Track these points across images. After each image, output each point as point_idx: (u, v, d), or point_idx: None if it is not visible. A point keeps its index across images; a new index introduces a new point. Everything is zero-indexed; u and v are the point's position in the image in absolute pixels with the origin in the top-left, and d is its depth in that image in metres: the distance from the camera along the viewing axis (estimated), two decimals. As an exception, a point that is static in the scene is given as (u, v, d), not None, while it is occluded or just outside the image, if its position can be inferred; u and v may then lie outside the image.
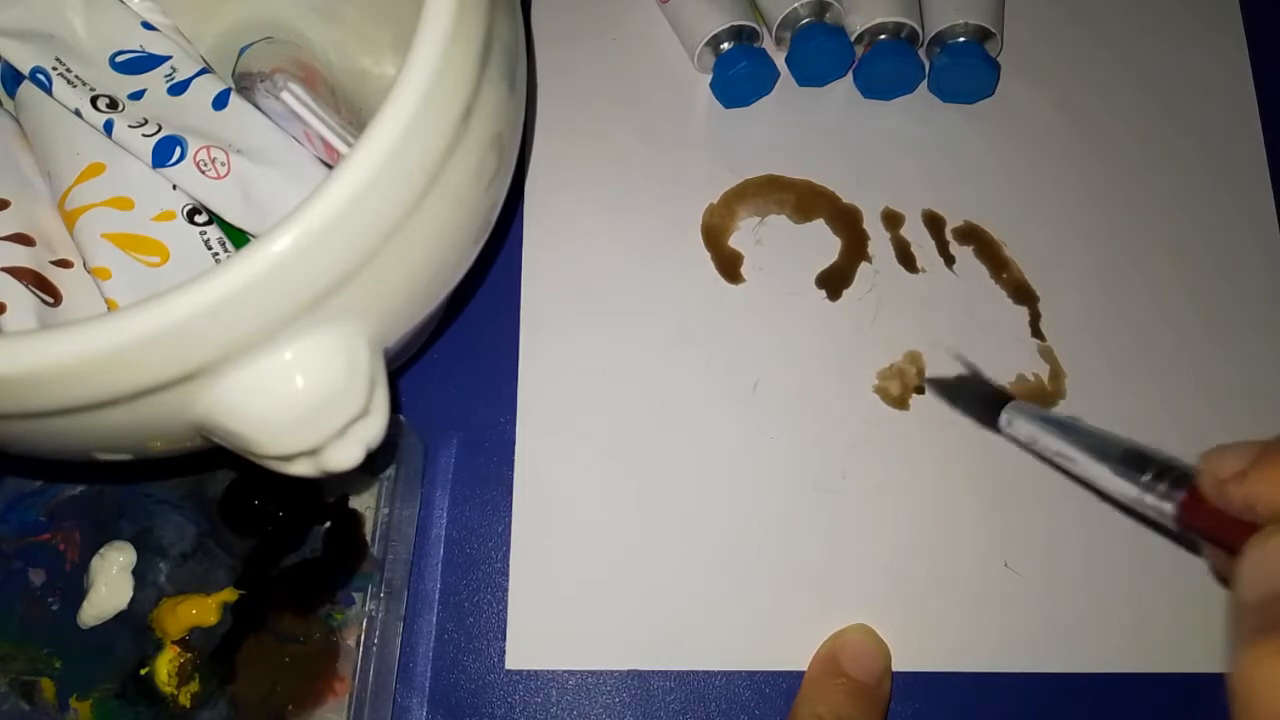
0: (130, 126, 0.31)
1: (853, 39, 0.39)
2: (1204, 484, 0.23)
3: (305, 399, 0.23)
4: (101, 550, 0.32)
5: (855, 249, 0.39)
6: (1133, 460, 0.27)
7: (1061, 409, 0.37)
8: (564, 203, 0.40)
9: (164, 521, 0.33)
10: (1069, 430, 0.31)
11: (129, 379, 0.22)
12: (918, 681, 0.35)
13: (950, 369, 0.37)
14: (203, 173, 0.31)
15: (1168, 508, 0.25)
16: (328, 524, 0.33)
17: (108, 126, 0.31)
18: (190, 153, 0.31)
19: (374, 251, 0.23)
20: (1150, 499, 0.25)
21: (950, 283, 0.39)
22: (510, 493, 0.36)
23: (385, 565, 0.32)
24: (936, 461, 0.37)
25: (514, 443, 0.37)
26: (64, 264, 0.31)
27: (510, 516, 0.36)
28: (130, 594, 0.32)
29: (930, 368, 0.38)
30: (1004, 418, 0.33)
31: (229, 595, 0.32)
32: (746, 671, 0.35)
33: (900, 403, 0.37)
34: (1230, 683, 0.19)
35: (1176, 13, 0.43)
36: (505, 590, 0.35)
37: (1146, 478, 0.26)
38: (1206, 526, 0.23)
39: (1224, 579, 0.34)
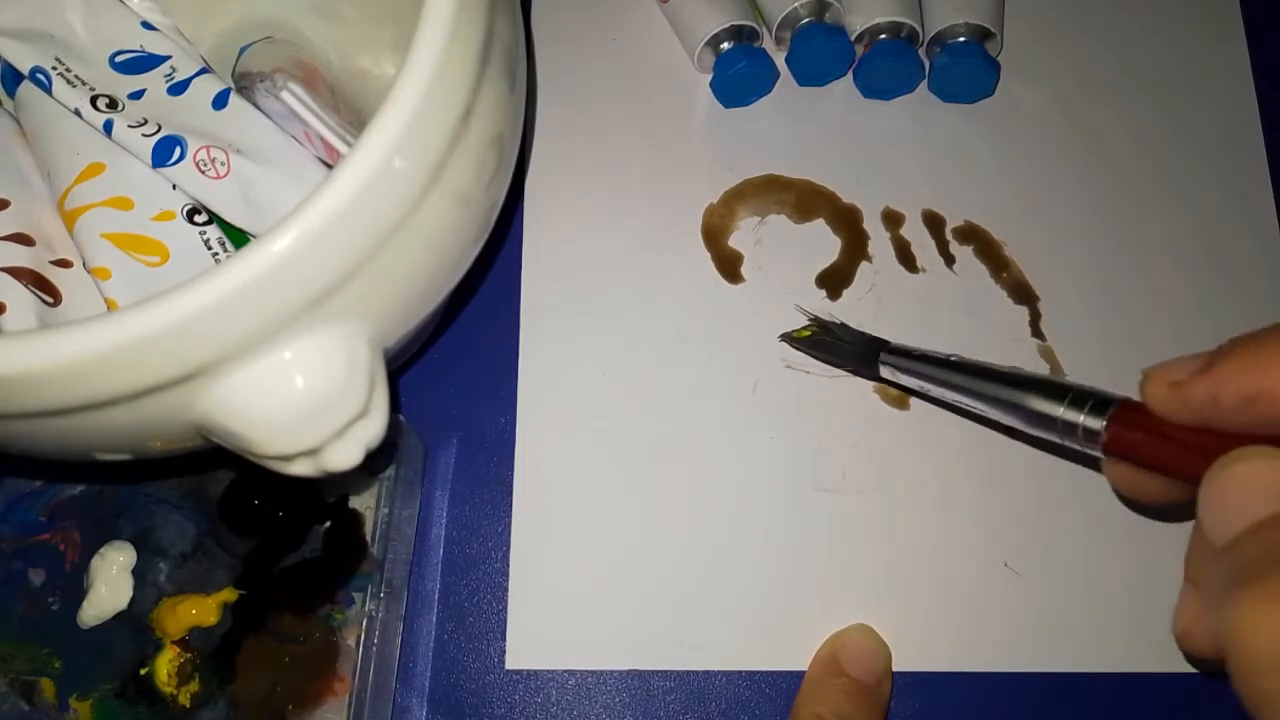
0: (130, 126, 0.31)
1: (853, 39, 0.39)
2: (1153, 392, 0.21)
3: (305, 399, 0.23)
4: (101, 550, 0.32)
5: (855, 249, 0.39)
6: (1044, 390, 0.25)
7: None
8: (564, 202, 0.40)
9: (164, 521, 0.33)
10: (960, 368, 0.30)
11: (129, 379, 0.22)
12: (918, 681, 0.35)
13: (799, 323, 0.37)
14: (202, 172, 0.31)
15: (1091, 437, 0.23)
16: (328, 524, 0.33)
17: (107, 126, 0.31)
18: (190, 152, 0.31)
19: (374, 251, 0.23)
20: (1070, 429, 0.24)
21: (950, 283, 0.39)
22: (510, 493, 0.36)
23: (385, 565, 0.32)
24: (936, 461, 0.37)
25: (514, 443, 0.37)
26: (64, 264, 0.31)
27: (510, 516, 0.36)
28: (130, 594, 0.32)
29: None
30: (884, 366, 0.33)
31: (229, 595, 0.32)
32: (746, 671, 0.35)
33: (900, 402, 0.37)
34: (1221, 634, 0.17)
35: (1177, 12, 0.43)
36: (505, 590, 0.35)
37: (1063, 407, 0.24)
38: (1143, 449, 0.22)
39: (1127, 499, 0.34)
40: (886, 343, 0.34)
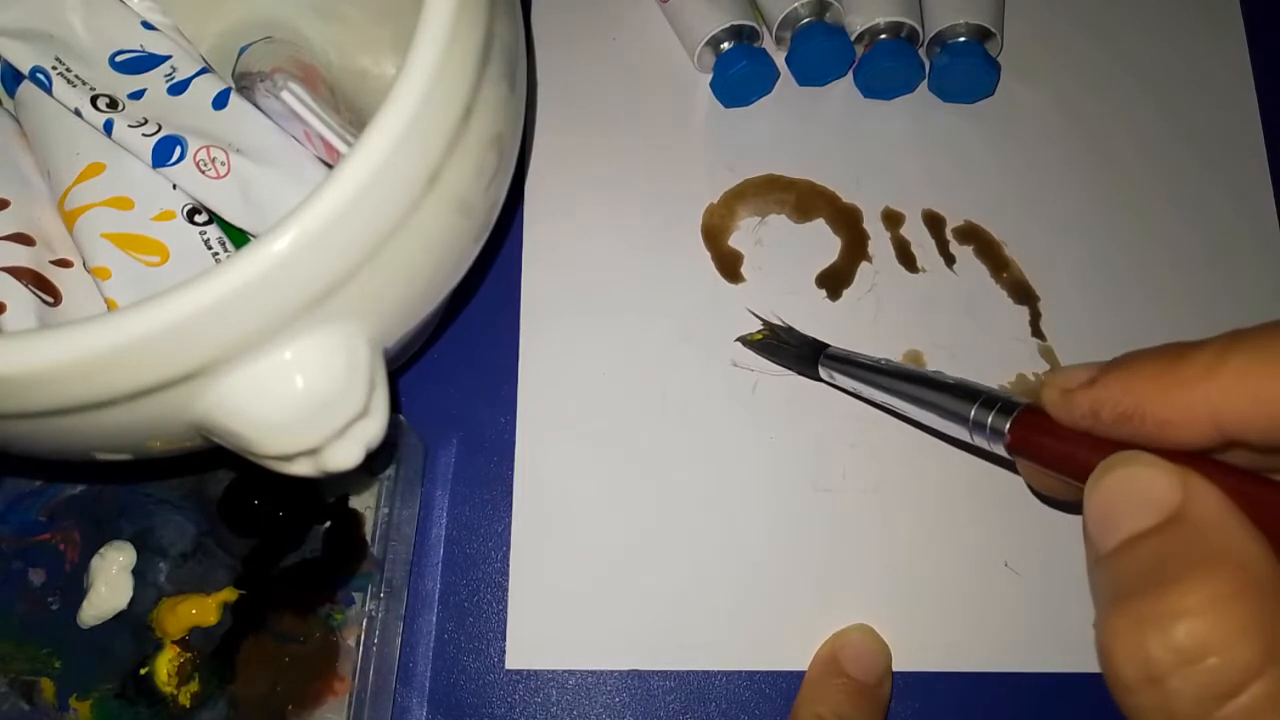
0: (130, 126, 0.31)
1: (853, 38, 0.39)
2: (1048, 396, 0.22)
3: (305, 399, 0.23)
4: (101, 550, 0.32)
5: (855, 249, 0.39)
6: (958, 393, 0.27)
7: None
8: (564, 203, 0.40)
9: (164, 521, 0.33)
10: (886, 372, 0.31)
11: (129, 379, 0.22)
12: (918, 681, 0.35)
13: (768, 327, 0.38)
14: (203, 172, 0.31)
15: (997, 437, 0.24)
16: (328, 524, 0.33)
17: (108, 126, 0.31)
18: (190, 152, 0.31)
19: (374, 251, 0.23)
20: (979, 429, 0.25)
21: (950, 282, 0.39)
22: (510, 493, 0.36)
23: (385, 565, 0.32)
24: (936, 461, 0.37)
25: (514, 443, 0.37)
26: (64, 264, 0.31)
27: (510, 516, 0.36)
28: (130, 594, 0.32)
29: (931, 368, 0.38)
30: (823, 369, 0.34)
31: (229, 595, 0.32)
32: (746, 671, 0.35)
33: (900, 402, 0.37)
34: (1097, 648, 0.18)
35: (1177, 12, 0.43)
36: (505, 590, 0.35)
37: (974, 409, 0.25)
38: (1041, 450, 0.23)
39: (1043, 496, 0.35)
40: (826, 346, 0.35)
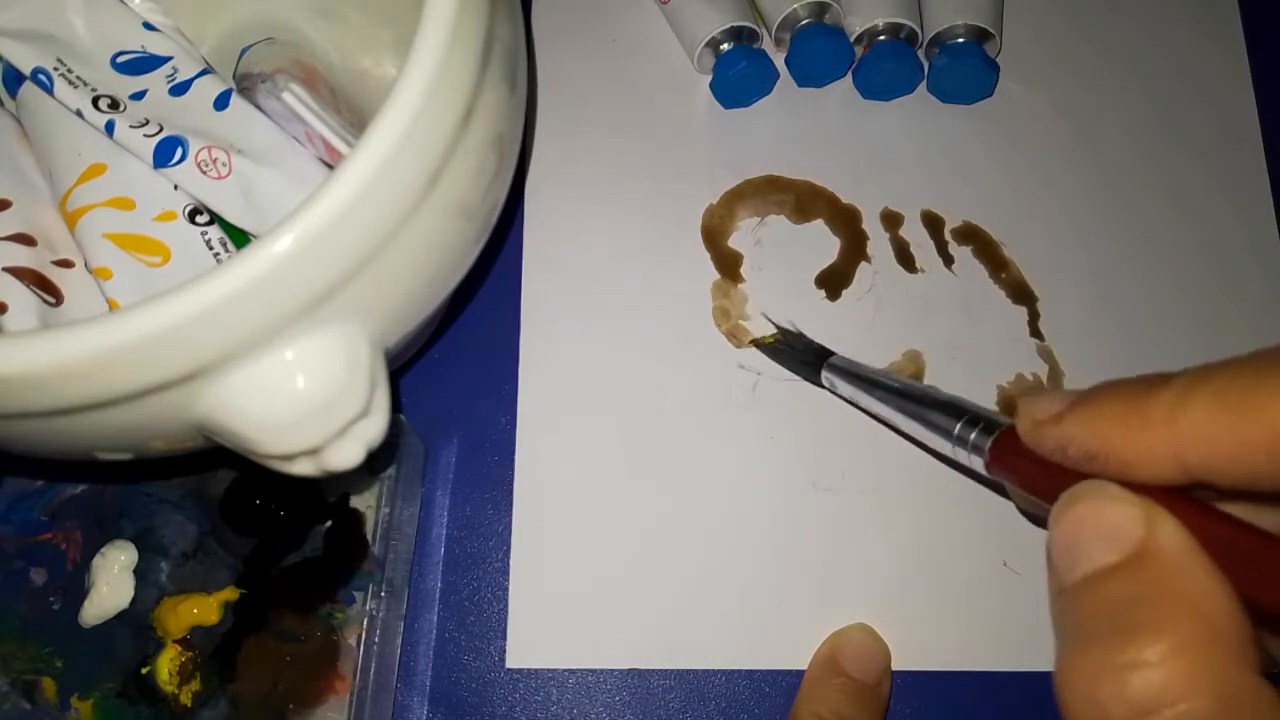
0: (132, 127, 0.31)
1: (852, 40, 0.39)
2: (1021, 425, 0.22)
3: (306, 399, 0.23)
4: (103, 549, 0.33)
5: (854, 249, 0.39)
6: (946, 409, 0.27)
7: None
8: (564, 203, 0.40)
9: (165, 521, 0.33)
10: (882, 386, 0.32)
11: (130, 379, 0.22)
12: (917, 681, 0.35)
13: (779, 328, 0.38)
14: (204, 173, 0.31)
15: (978, 456, 0.25)
16: (329, 523, 0.33)
17: (109, 127, 0.31)
18: (191, 153, 0.31)
19: (375, 252, 0.23)
20: (962, 445, 0.26)
21: (949, 283, 0.39)
22: (510, 493, 0.36)
23: (386, 564, 0.33)
24: (936, 462, 0.37)
25: (514, 443, 0.37)
26: (65, 264, 0.31)
27: (510, 516, 0.36)
28: (131, 593, 0.32)
29: (930, 368, 0.38)
30: (825, 376, 0.35)
31: (230, 594, 0.32)
32: (746, 670, 0.35)
33: (899, 402, 0.37)
34: (1055, 685, 0.17)
35: (1175, 14, 0.43)
36: (505, 589, 0.35)
37: (959, 426, 0.26)
38: (1016, 472, 0.23)
39: (1028, 514, 0.35)
40: (831, 354, 0.36)
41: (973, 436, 0.25)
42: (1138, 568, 0.17)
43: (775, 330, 0.38)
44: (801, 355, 0.37)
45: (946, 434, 0.27)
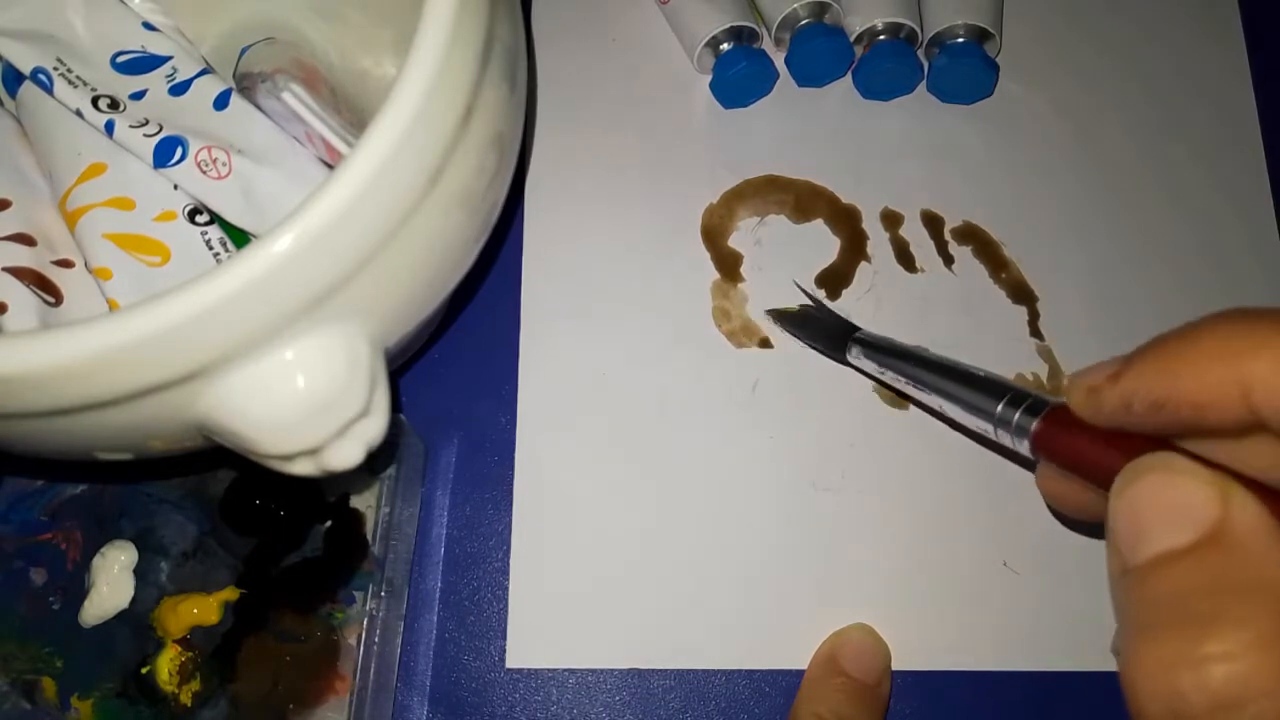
0: (131, 127, 0.31)
1: (852, 39, 0.39)
2: (1075, 398, 0.21)
3: (306, 399, 0.23)
4: (103, 549, 0.33)
5: (854, 249, 0.39)
6: (987, 388, 0.26)
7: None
8: (564, 203, 0.40)
9: (165, 521, 0.33)
10: (917, 360, 0.30)
11: (130, 379, 0.22)
12: (917, 681, 0.35)
13: (794, 301, 0.38)
14: (204, 173, 0.31)
15: (1021, 437, 0.24)
16: (329, 523, 0.33)
17: (109, 127, 0.31)
18: (191, 153, 0.31)
19: (374, 251, 0.23)
20: (1004, 427, 0.24)
21: (949, 282, 0.39)
22: (510, 493, 0.36)
23: (386, 564, 0.33)
24: (936, 460, 0.37)
25: (514, 443, 0.37)
26: (65, 264, 0.31)
27: (510, 516, 0.36)
28: (131, 593, 0.32)
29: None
30: (851, 350, 0.34)
31: (230, 594, 0.32)
32: (746, 670, 0.35)
33: (899, 402, 0.37)
34: (1120, 672, 0.16)
35: (1175, 15, 0.43)
36: (505, 589, 0.35)
37: (1000, 406, 0.25)
38: (1067, 452, 0.22)
39: (1059, 514, 0.34)
40: (857, 329, 0.35)
41: (1016, 417, 0.24)
42: (1213, 550, 0.16)
43: (802, 304, 0.37)
44: (828, 328, 0.36)
45: (986, 414, 0.25)
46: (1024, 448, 0.24)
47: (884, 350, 0.33)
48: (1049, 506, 0.32)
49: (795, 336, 0.38)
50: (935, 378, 0.29)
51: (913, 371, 0.31)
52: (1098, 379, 0.20)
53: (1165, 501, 0.17)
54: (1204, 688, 0.15)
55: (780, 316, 0.38)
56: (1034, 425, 0.23)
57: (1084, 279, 0.39)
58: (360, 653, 0.32)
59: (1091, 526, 0.36)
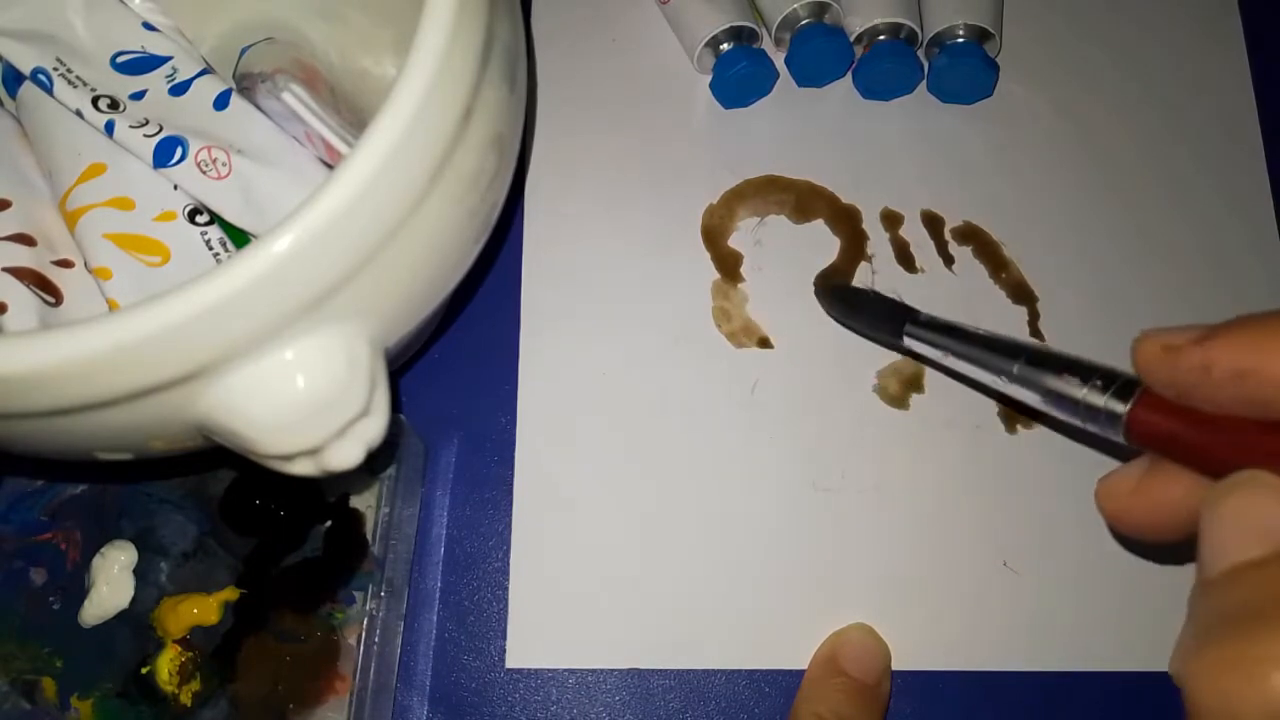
0: (131, 127, 0.31)
1: (852, 40, 0.39)
2: (1145, 353, 0.20)
3: (306, 399, 0.23)
4: (103, 549, 0.33)
5: (854, 249, 0.39)
6: (1071, 369, 0.24)
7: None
8: (564, 203, 0.40)
9: (165, 521, 0.33)
10: (987, 346, 0.29)
11: (130, 379, 0.22)
12: (917, 680, 0.35)
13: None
14: (204, 173, 0.31)
15: (1112, 425, 0.22)
16: (328, 523, 0.33)
17: (109, 127, 0.31)
18: (191, 153, 0.31)
19: (374, 252, 0.23)
20: (1091, 416, 0.23)
21: (949, 283, 0.39)
22: (510, 493, 0.36)
23: (386, 564, 0.33)
24: (936, 461, 0.37)
25: (514, 443, 0.37)
26: (65, 264, 0.31)
27: (510, 516, 0.36)
28: (131, 593, 0.32)
29: (931, 369, 0.38)
30: (909, 331, 0.33)
31: (230, 594, 0.32)
32: (746, 670, 0.35)
33: (899, 402, 0.37)
34: (1182, 679, 0.16)
35: (1175, 15, 0.43)
36: (505, 589, 0.35)
37: (1085, 390, 0.23)
38: (1165, 434, 0.21)
39: (1122, 538, 0.33)
40: (916, 313, 0.33)
41: (1105, 402, 0.22)
42: None
43: (860, 287, 0.37)
44: (884, 310, 0.35)
45: (1070, 401, 0.23)
46: (1117, 436, 0.22)
47: (948, 333, 0.31)
48: (1110, 530, 0.31)
49: (835, 317, 0.37)
50: (1008, 362, 0.27)
51: (980, 355, 0.29)
52: (1178, 339, 0.20)
53: (1247, 517, 0.17)
54: (1260, 693, 0.15)
55: (829, 291, 0.36)
56: (1127, 410, 0.22)
57: (1084, 279, 0.39)
58: (360, 653, 0.32)
59: (1095, 528, 0.36)
